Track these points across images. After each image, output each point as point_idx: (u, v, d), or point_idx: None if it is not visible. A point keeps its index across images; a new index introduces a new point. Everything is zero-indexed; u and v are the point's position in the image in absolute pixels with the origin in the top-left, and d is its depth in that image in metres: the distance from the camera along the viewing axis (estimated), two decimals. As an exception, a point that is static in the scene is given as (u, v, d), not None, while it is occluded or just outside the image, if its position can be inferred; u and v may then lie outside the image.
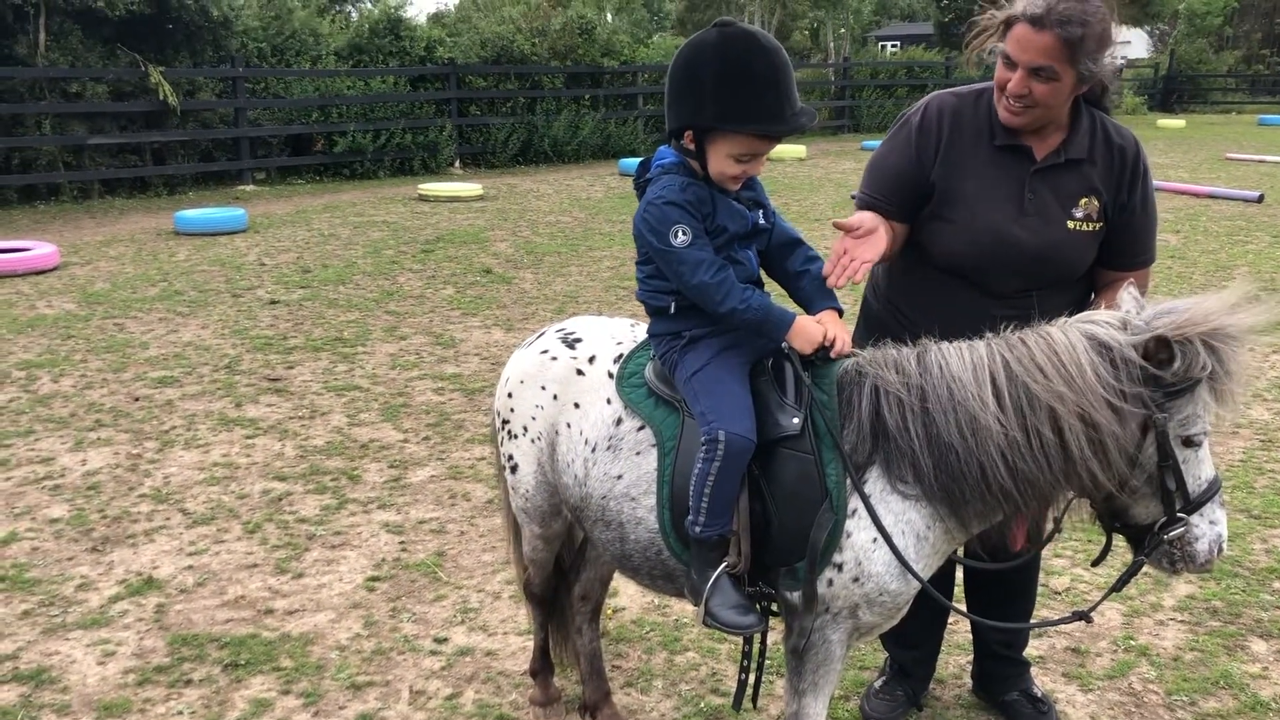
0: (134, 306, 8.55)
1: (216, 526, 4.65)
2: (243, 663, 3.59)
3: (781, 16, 31.94)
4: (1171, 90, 37.05)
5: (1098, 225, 2.79)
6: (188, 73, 15.40)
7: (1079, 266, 2.82)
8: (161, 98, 14.39)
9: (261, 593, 4.08)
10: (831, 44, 31.32)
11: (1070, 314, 2.34)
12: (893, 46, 45.93)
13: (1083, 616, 2.48)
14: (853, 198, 2.99)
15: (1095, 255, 2.84)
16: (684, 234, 2.38)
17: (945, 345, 2.37)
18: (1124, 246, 2.85)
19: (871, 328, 2.95)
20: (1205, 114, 34.94)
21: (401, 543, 4.51)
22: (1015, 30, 2.61)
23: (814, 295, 2.55)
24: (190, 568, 4.27)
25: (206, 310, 8.46)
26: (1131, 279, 2.50)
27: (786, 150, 20.24)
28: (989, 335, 2.36)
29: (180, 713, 3.33)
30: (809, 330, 2.42)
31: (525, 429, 2.80)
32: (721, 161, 2.40)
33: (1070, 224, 2.77)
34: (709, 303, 2.40)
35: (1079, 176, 2.77)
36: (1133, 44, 49.08)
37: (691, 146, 2.41)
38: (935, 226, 2.85)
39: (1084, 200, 2.77)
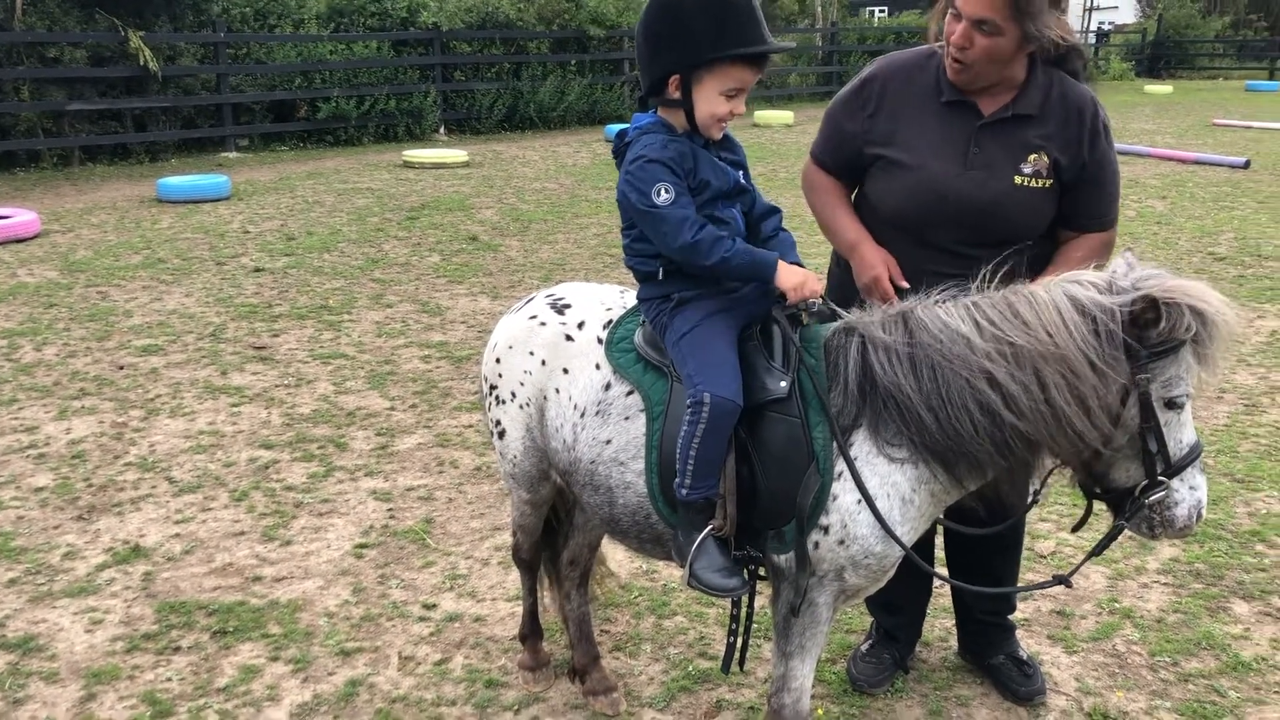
0: (117, 274, 8.49)
1: (203, 494, 4.64)
2: (231, 630, 3.59)
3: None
4: (1159, 56, 36.99)
5: (1048, 182, 2.78)
6: (168, 37, 15.18)
7: (1030, 224, 2.81)
8: (142, 63, 14.21)
9: (249, 560, 4.08)
10: (819, 9, 31.09)
11: (1033, 274, 2.36)
12: (880, 11, 45.68)
13: (1062, 580, 2.51)
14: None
15: (1051, 215, 2.83)
16: (667, 192, 2.38)
17: (930, 302, 2.38)
18: (1082, 206, 2.84)
19: (837, 291, 2.96)
20: (1193, 80, 34.91)
21: (389, 510, 4.51)
22: None
23: (782, 254, 2.56)
24: (177, 536, 4.26)
25: (190, 278, 8.40)
26: (1118, 251, 2.49)
27: (774, 116, 20.17)
28: (973, 292, 2.36)
29: (169, 679, 3.33)
30: (794, 270, 2.45)
31: (513, 394, 2.80)
32: (712, 101, 2.40)
33: (1018, 179, 2.76)
34: (696, 260, 2.39)
35: (1028, 132, 2.77)
36: (1120, 8, 48.86)
37: (677, 95, 2.41)
38: (882, 182, 2.89)
39: (1033, 156, 2.76)
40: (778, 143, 17.13)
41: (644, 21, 2.42)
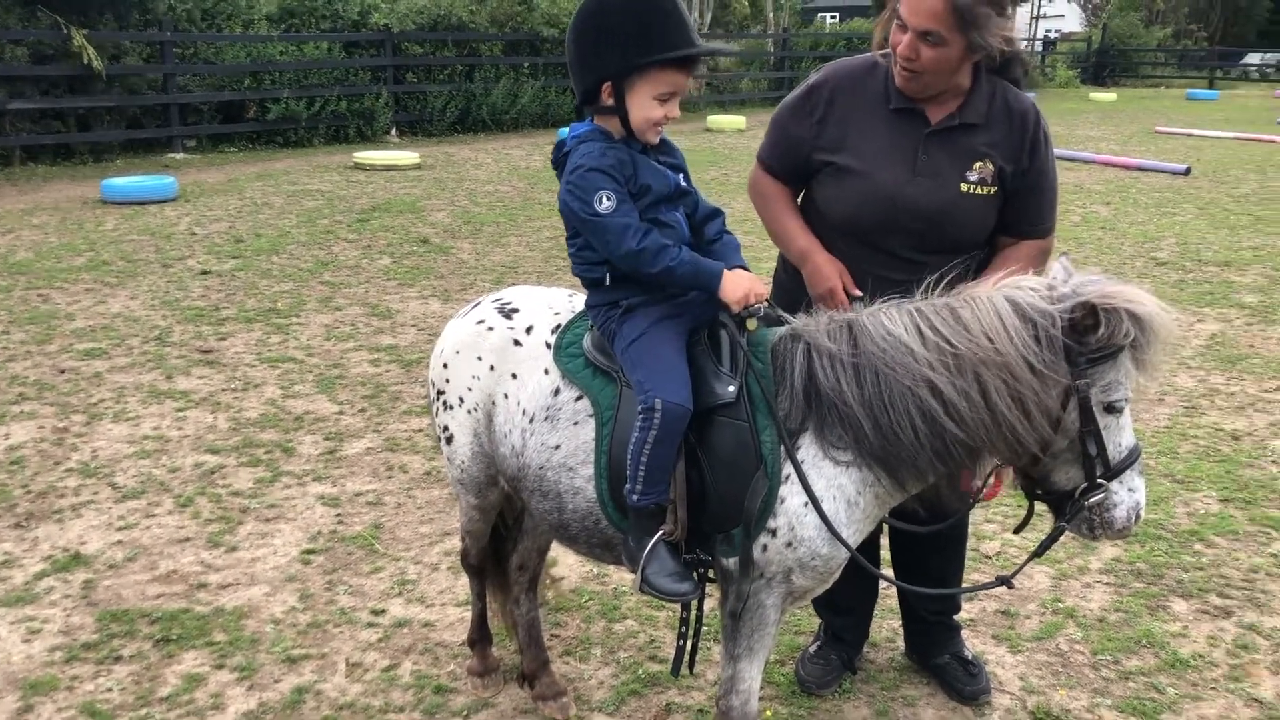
0: (59, 277, 8.32)
1: (147, 500, 4.56)
2: (174, 638, 3.54)
3: (722, -14, 31.86)
4: (1104, 64, 37.71)
5: (993, 189, 2.82)
6: (112, 36, 14.92)
7: (974, 231, 2.86)
8: (85, 62, 13.94)
9: (194, 567, 4.02)
10: (771, 15, 31.27)
11: (974, 279, 2.40)
12: (831, 18, 46.10)
13: (1005, 582, 2.54)
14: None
15: (993, 222, 2.88)
16: (609, 199, 2.39)
17: (876, 308, 2.40)
18: (1023, 213, 2.89)
19: (782, 296, 2.98)
20: (1136, 88, 35.62)
21: (337, 515, 4.46)
22: None
23: (725, 257, 2.58)
24: (120, 543, 4.19)
25: (135, 281, 8.26)
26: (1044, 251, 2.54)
27: (727, 121, 20.29)
28: (918, 297, 2.39)
29: (109, 689, 3.27)
30: (738, 280, 2.44)
31: (461, 400, 2.78)
32: (645, 106, 2.41)
33: (964, 186, 2.80)
34: (641, 267, 2.40)
35: (974, 140, 2.81)
36: (1066, 17, 49.74)
37: (611, 101, 2.42)
38: (830, 188, 2.91)
39: (978, 164, 2.80)
40: (730, 147, 17.20)
41: (572, 31, 2.43)
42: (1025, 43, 34.27)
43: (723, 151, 16.55)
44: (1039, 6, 38.32)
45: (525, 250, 9.54)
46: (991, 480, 2.51)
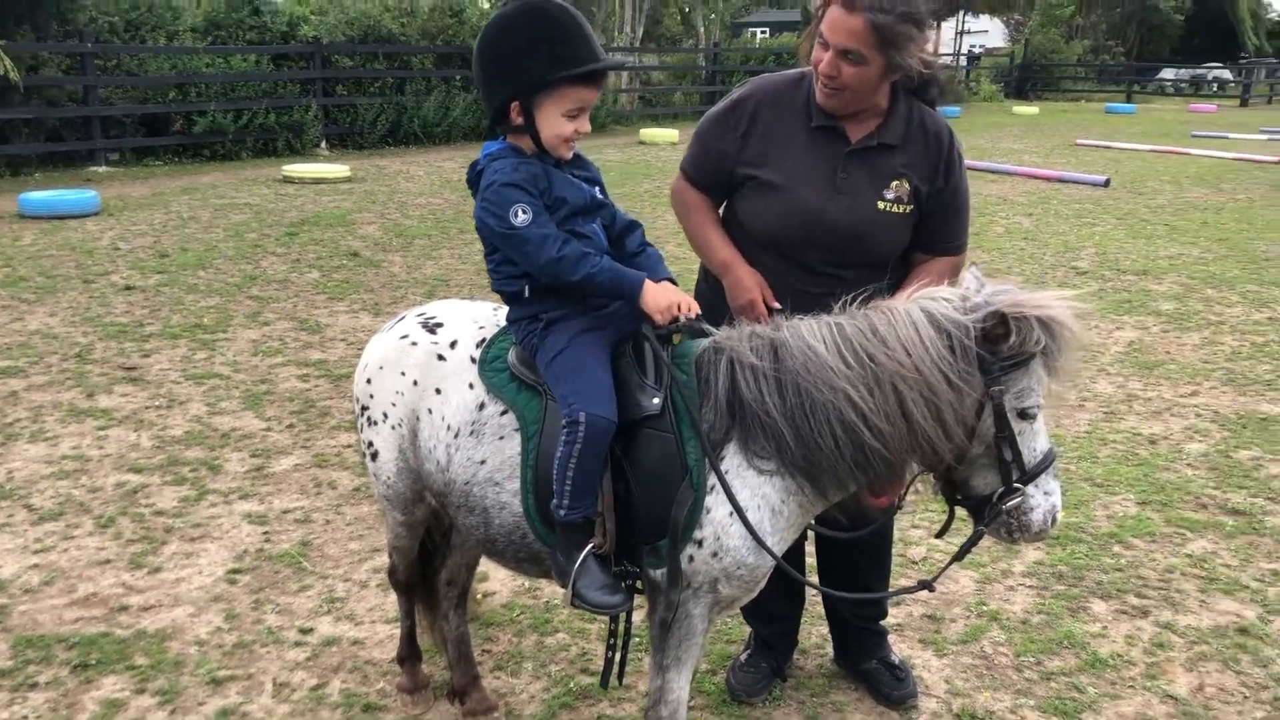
0: (-26, 293, 8.10)
1: (65, 522, 4.45)
2: (93, 663, 3.45)
3: (654, 1, 32.08)
4: (1026, 78, 38.63)
5: (909, 208, 2.89)
6: (30, 47, 14.56)
7: (890, 247, 2.93)
8: (2, 73, 13.58)
9: (115, 589, 3.93)
10: (702, 29, 31.58)
11: (890, 294, 2.45)
12: (761, 33, 46.62)
13: (926, 585, 2.59)
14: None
15: (908, 239, 2.95)
16: (524, 212, 2.40)
17: (797, 321, 2.44)
18: (937, 232, 2.96)
19: (703, 306, 3.01)
20: (1057, 101, 36.53)
21: (265, 533, 4.39)
22: (830, 11, 2.70)
23: (650, 270, 2.59)
24: (36, 566, 4.07)
25: (55, 297, 8.06)
26: (956, 264, 2.60)
27: (659, 134, 20.38)
28: (836, 310, 2.44)
29: (25, 717, 3.18)
30: (662, 293, 2.46)
31: (385, 415, 2.76)
32: (554, 123, 2.43)
33: (880, 204, 2.87)
34: (563, 275, 2.41)
35: (892, 160, 2.87)
36: (990, 33, 50.84)
37: (520, 120, 2.44)
38: (752, 203, 2.96)
39: (895, 182, 2.87)
40: (663, 160, 17.27)
41: (477, 53, 2.46)
42: (950, 58, 34.99)
43: (655, 164, 16.63)
44: (963, 23, 39.10)
45: (457, 263, 9.49)
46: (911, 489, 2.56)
